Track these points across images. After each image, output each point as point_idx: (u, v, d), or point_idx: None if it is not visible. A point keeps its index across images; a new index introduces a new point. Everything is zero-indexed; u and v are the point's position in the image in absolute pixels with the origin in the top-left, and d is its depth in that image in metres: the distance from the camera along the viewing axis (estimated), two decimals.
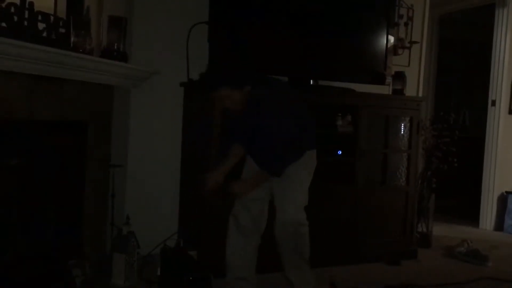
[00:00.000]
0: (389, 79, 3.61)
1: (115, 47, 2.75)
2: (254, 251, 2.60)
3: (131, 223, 2.71)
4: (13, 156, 2.41)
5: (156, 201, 3.17)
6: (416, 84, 4.18)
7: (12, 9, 2.13)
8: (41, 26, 2.29)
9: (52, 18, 2.36)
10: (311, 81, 3.36)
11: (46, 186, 2.61)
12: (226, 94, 2.33)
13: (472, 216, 4.81)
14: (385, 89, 3.70)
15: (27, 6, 2.20)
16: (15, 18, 2.14)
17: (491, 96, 4.67)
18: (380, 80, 3.51)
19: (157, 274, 2.66)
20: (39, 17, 2.27)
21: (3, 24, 2.08)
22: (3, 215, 2.41)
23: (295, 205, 2.52)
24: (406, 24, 3.99)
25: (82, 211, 2.77)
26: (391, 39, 3.63)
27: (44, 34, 2.31)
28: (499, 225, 4.64)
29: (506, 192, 4.65)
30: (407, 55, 4.05)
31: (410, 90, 3.92)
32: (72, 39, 2.45)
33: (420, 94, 4.19)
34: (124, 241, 2.63)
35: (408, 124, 3.50)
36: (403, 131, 3.51)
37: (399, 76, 3.61)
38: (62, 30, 2.43)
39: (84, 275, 2.51)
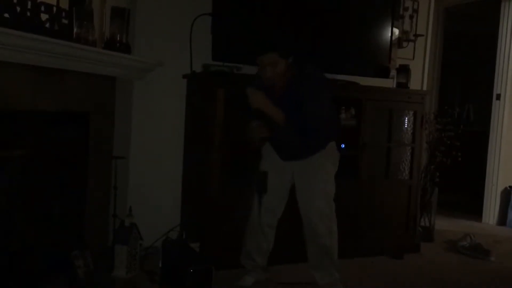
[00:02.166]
0: (393, 72, 3.60)
1: (118, 39, 2.73)
2: (270, 244, 2.69)
3: (133, 215, 2.71)
4: (16, 147, 2.41)
5: (159, 193, 3.17)
6: (421, 77, 4.16)
7: (15, 0, 2.12)
8: (43, 17, 2.28)
9: (54, 9, 2.35)
10: None
11: (49, 177, 2.61)
12: (273, 60, 2.36)
13: (475, 210, 4.80)
14: (389, 83, 3.68)
15: None
16: (18, 8, 2.13)
17: (496, 90, 4.64)
18: (384, 73, 3.49)
19: (159, 266, 2.67)
20: (42, 8, 2.26)
21: (6, 15, 2.07)
22: (7, 206, 2.42)
23: (324, 195, 2.51)
24: (411, 17, 3.97)
25: (84, 203, 2.77)
26: (396, 31, 3.60)
27: (47, 25, 2.30)
28: (502, 220, 4.62)
29: (510, 186, 4.63)
30: (412, 48, 4.03)
31: (415, 84, 3.90)
32: (75, 30, 2.44)
33: (425, 88, 4.18)
34: (126, 233, 2.64)
35: (412, 118, 3.49)
36: (407, 125, 3.49)
37: (404, 69, 3.59)
38: (65, 21, 2.42)
39: (86, 266, 2.52)
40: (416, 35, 3.97)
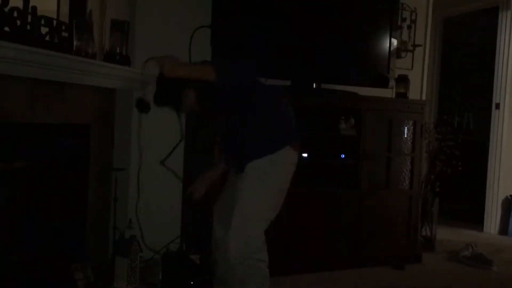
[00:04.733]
0: (392, 82, 3.61)
1: (118, 51, 2.75)
2: None
3: (133, 227, 2.71)
4: (16, 159, 2.41)
5: (159, 205, 3.16)
6: (420, 87, 4.17)
7: (15, 13, 2.13)
8: (44, 30, 2.30)
9: (55, 22, 2.36)
10: (314, 84, 3.36)
11: (49, 189, 2.61)
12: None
13: (476, 220, 4.78)
14: (389, 93, 3.69)
15: (30, 10, 2.20)
16: (18, 22, 2.15)
17: (495, 99, 4.66)
18: (383, 83, 3.50)
19: (159, 278, 2.65)
20: (42, 21, 2.28)
21: (6, 29, 2.09)
22: (7, 218, 2.41)
23: (240, 218, 2.11)
24: (409, 27, 3.99)
25: (85, 215, 2.77)
26: (394, 42, 3.62)
27: (47, 38, 2.32)
28: (504, 229, 4.61)
29: (511, 195, 4.62)
30: (411, 58, 4.04)
31: (414, 93, 3.91)
32: (74, 43, 2.46)
33: (424, 97, 4.19)
34: (126, 245, 2.63)
35: (412, 128, 3.49)
36: (407, 135, 3.50)
37: (403, 79, 3.61)
38: (65, 34, 2.44)
39: (87, 279, 2.51)
40: (414, 45, 3.99)
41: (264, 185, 2.13)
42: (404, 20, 3.93)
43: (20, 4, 2.16)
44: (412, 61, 4.06)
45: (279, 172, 2.16)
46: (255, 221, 2.14)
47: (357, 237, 3.30)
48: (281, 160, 2.15)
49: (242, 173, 2.16)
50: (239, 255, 2.11)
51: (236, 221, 2.11)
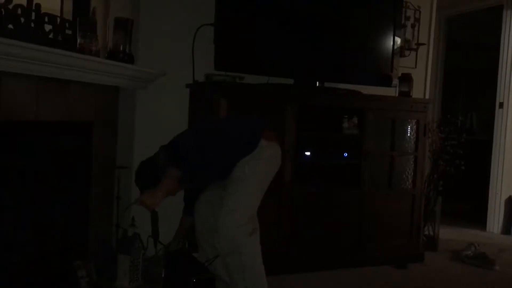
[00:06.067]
0: (395, 81, 3.60)
1: (121, 49, 2.75)
2: None
3: (136, 225, 2.71)
4: (19, 157, 2.42)
5: (161, 203, 3.16)
6: (423, 86, 4.16)
7: (19, 11, 2.14)
8: (47, 27, 2.30)
9: (58, 19, 2.37)
10: (317, 83, 3.35)
11: (52, 187, 2.62)
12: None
13: (479, 219, 4.78)
14: (392, 91, 3.68)
15: (33, 7, 2.21)
16: (22, 19, 2.15)
17: (499, 99, 4.65)
18: (387, 82, 3.49)
19: (161, 276, 2.66)
20: (46, 19, 2.28)
21: (10, 26, 2.09)
22: (9, 216, 2.42)
23: (230, 208, 2.28)
24: (413, 26, 3.97)
25: (87, 213, 2.77)
26: (398, 40, 3.61)
27: (51, 36, 2.32)
28: (507, 229, 4.60)
29: None
30: (414, 57, 4.03)
31: (417, 92, 3.90)
32: (78, 40, 2.46)
33: (427, 96, 4.17)
34: (129, 242, 2.63)
35: (415, 127, 3.48)
36: (410, 134, 3.49)
37: (406, 78, 3.59)
38: (69, 32, 2.45)
39: (89, 277, 2.51)
40: (418, 44, 3.98)
41: (253, 170, 2.31)
42: (407, 18, 3.92)
43: (24, 2, 2.16)
44: (415, 59, 4.05)
45: (265, 164, 2.37)
46: (242, 212, 2.30)
47: (359, 236, 3.30)
48: (263, 155, 2.33)
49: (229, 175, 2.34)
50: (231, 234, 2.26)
51: (224, 211, 2.28)
